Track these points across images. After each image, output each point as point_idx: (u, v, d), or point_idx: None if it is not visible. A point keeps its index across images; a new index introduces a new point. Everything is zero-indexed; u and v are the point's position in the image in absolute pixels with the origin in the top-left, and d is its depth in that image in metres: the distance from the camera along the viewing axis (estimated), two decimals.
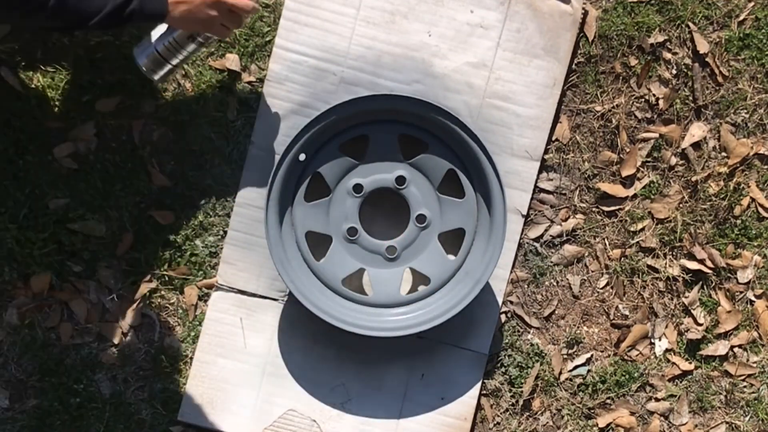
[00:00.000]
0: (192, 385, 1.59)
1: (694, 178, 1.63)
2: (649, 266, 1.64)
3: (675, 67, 1.62)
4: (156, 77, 1.46)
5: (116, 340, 1.60)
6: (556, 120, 1.61)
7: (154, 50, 1.43)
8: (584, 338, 1.65)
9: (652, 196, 1.64)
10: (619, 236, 1.64)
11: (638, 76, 1.62)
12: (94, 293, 1.59)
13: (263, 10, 1.57)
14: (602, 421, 1.64)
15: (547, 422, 1.64)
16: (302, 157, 1.51)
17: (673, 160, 1.63)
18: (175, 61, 1.44)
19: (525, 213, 1.61)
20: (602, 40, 1.61)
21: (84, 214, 1.57)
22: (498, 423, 1.64)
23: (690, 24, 1.60)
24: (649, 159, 1.63)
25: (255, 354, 1.60)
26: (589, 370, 1.65)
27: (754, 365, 1.66)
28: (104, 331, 1.60)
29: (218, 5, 1.37)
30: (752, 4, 1.61)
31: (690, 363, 1.65)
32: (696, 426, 1.66)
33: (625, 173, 1.63)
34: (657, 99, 1.62)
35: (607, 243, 1.64)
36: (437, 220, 1.55)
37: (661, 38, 1.61)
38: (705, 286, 1.65)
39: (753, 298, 1.65)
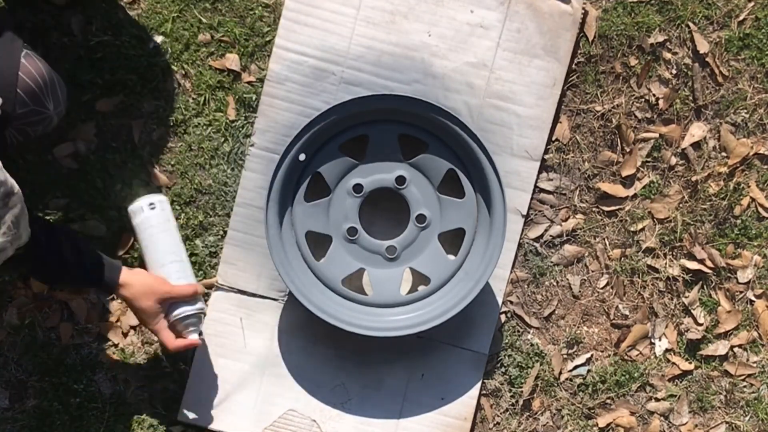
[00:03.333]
0: (192, 385, 1.59)
1: (694, 178, 1.63)
2: (649, 266, 1.64)
3: (675, 67, 1.62)
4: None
5: (116, 340, 1.60)
6: (556, 120, 1.61)
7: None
8: (584, 338, 1.65)
9: (652, 196, 1.64)
10: (619, 236, 1.64)
11: (638, 76, 1.62)
12: (94, 293, 1.59)
13: (263, 10, 1.57)
14: (602, 421, 1.64)
15: (547, 422, 1.64)
16: (302, 157, 1.51)
17: (673, 160, 1.63)
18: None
19: (525, 213, 1.61)
20: (602, 40, 1.61)
21: (84, 214, 1.57)
22: (498, 423, 1.64)
23: (690, 24, 1.60)
24: (649, 159, 1.63)
25: (255, 354, 1.60)
26: (589, 370, 1.65)
27: (754, 365, 1.66)
28: (104, 331, 1.60)
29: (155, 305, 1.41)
30: (752, 4, 1.61)
31: (690, 363, 1.65)
32: (696, 426, 1.66)
33: (625, 173, 1.63)
34: (657, 99, 1.62)
35: (607, 243, 1.64)
36: (437, 220, 1.55)
37: (661, 38, 1.61)
38: (705, 286, 1.65)
39: (753, 298, 1.65)
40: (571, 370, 1.65)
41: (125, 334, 1.60)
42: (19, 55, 1.25)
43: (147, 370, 1.60)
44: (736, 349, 1.66)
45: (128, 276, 1.39)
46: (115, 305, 1.59)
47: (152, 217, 1.47)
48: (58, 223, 1.56)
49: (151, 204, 1.47)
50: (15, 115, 1.24)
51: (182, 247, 1.50)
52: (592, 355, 1.65)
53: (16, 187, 1.14)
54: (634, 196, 1.64)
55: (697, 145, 1.63)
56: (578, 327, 1.65)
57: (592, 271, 1.65)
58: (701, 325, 1.65)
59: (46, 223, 1.41)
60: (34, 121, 1.28)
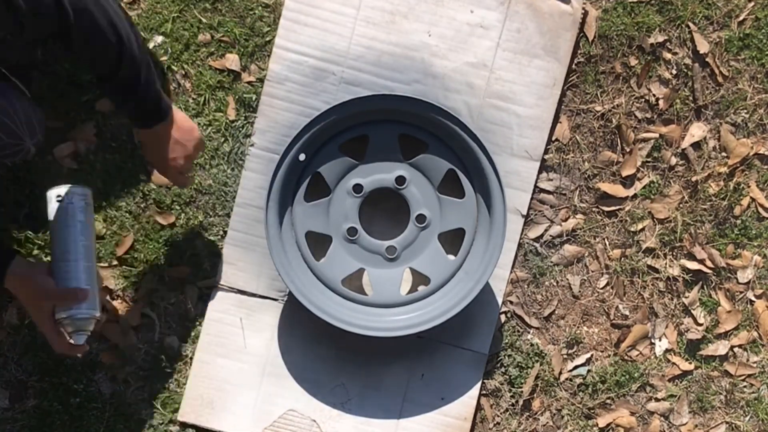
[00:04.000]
0: (192, 385, 1.59)
1: (694, 178, 1.63)
2: (649, 266, 1.64)
3: (675, 67, 1.62)
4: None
5: (116, 340, 1.60)
6: (556, 120, 1.61)
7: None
8: (584, 338, 1.65)
9: (652, 196, 1.64)
10: (619, 236, 1.64)
11: (638, 76, 1.62)
12: None
13: (263, 10, 1.57)
14: (602, 421, 1.64)
15: (547, 422, 1.64)
16: (302, 157, 1.51)
17: (673, 160, 1.63)
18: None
19: (525, 213, 1.61)
20: (602, 40, 1.61)
21: None
22: (498, 423, 1.64)
23: (690, 24, 1.60)
24: (649, 159, 1.63)
25: (255, 354, 1.60)
26: (589, 370, 1.65)
27: (754, 365, 1.66)
28: (104, 331, 1.59)
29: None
30: (752, 4, 1.61)
31: (690, 363, 1.65)
32: (696, 426, 1.66)
33: (625, 173, 1.63)
34: (657, 99, 1.62)
35: (607, 243, 1.64)
36: (437, 220, 1.55)
37: (661, 38, 1.61)
38: (705, 286, 1.65)
39: (753, 298, 1.65)
40: (571, 370, 1.65)
41: (125, 334, 1.60)
42: None
43: (147, 370, 1.60)
44: (736, 349, 1.66)
45: (16, 270, 1.33)
46: (116, 305, 1.59)
47: (56, 210, 1.38)
48: None
49: (58, 196, 1.37)
50: None
51: (81, 247, 1.38)
52: (592, 355, 1.65)
53: None
54: (634, 196, 1.64)
55: (697, 145, 1.63)
56: (578, 327, 1.65)
57: (592, 271, 1.65)
58: (701, 325, 1.65)
59: None
60: (9, 153, 1.27)
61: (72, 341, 1.37)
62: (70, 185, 1.39)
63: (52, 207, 1.38)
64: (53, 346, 1.37)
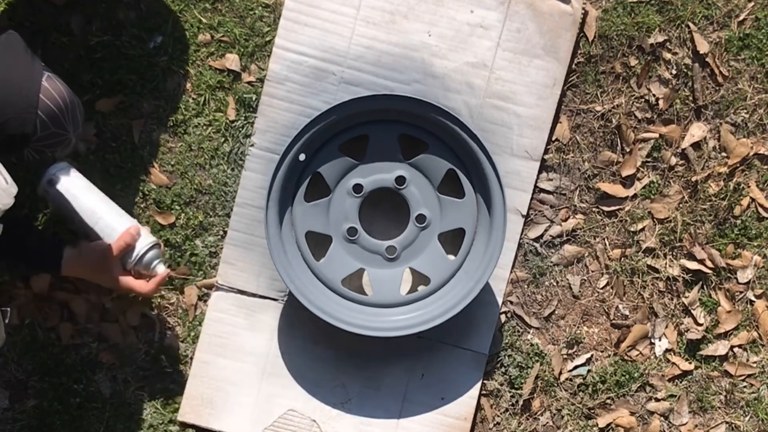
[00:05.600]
0: (192, 385, 1.59)
1: (694, 178, 1.63)
2: (649, 266, 1.64)
3: (675, 67, 1.62)
4: None
5: (116, 340, 1.60)
6: (556, 120, 1.61)
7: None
8: (584, 338, 1.65)
9: (652, 196, 1.64)
10: (619, 236, 1.64)
11: (638, 76, 1.62)
12: (94, 293, 1.58)
13: (263, 10, 1.57)
14: (602, 421, 1.64)
15: (547, 422, 1.64)
16: (302, 157, 1.51)
17: (673, 160, 1.63)
18: None
19: (525, 213, 1.61)
20: (602, 40, 1.61)
21: None
22: (498, 423, 1.64)
23: (690, 24, 1.60)
24: (649, 159, 1.63)
25: (255, 354, 1.60)
26: (589, 370, 1.65)
27: (754, 365, 1.66)
28: (104, 331, 1.59)
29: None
30: (752, 4, 1.61)
31: (690, 363, 1.65)
32: (696, 426, 1.66)
33: (625, 173, 1.63)
34: (657, 99, 1.62)
35: (607, 243, 1.64)
36: (437, 220, 1.55)
37: (661, 38, 1.61)
38: (705, 286, 1.65)
39: (753, 298, 1.65)
40: (571, 370, 1.65)
41: (125, 334, 1.60)
42: (41, 78, 1.26)
43: (147, 370, 1.60)
44: (736, 349, 1.66)
45: (69, 260, 1.39)
46: (115, 305, 1.59)
47: (60, 187, 1.42)
48: (58, 223, 1.56)
49: (53, 177, 1.42)
50: (35, 137, 1.25)
51: (101, 202, 1.44)
52: (592, 355, 1.65)
53: None
54: (634, 196, 1.64)
55: (697, 145, 1.63)
56: (578, 327, 1.65)
57: (592, 271, 1.65)
58: (701, 325, 1.65)
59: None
60: (53, 143, 1.29)
61: (157, 273, 1.45)
62: (52, 165, 1.43)
63: (55, 188, 1.42)
64: (143, 291, 1.43)
